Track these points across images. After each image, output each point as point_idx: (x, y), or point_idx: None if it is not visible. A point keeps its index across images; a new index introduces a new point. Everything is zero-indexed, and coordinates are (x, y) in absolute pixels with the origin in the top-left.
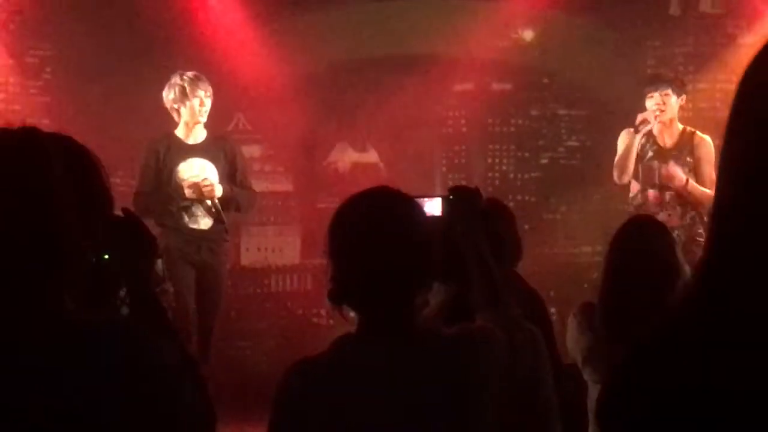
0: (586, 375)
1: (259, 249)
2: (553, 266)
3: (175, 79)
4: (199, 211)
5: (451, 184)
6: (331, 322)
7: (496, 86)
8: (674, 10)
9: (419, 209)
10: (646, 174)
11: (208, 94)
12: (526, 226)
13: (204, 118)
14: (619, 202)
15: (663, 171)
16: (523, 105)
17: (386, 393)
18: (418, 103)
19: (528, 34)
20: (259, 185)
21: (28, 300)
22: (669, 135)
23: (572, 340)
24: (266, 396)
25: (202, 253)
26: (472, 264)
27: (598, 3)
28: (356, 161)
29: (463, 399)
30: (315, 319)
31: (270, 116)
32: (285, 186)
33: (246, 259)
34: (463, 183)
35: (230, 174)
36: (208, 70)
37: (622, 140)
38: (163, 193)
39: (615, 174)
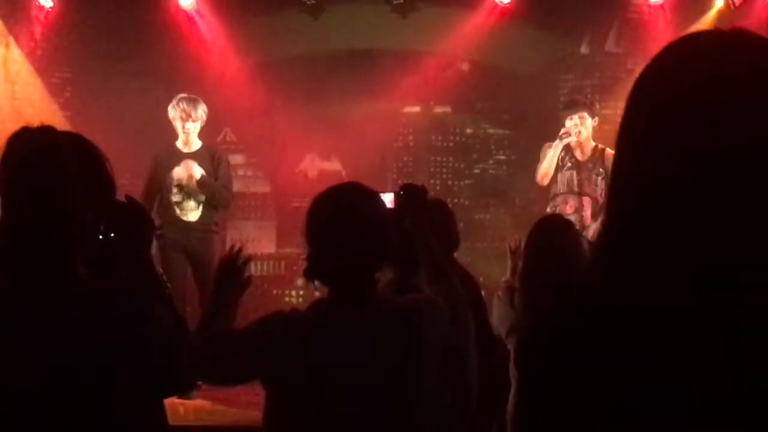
0: (510, 344)
1: (240, 240)
2: (482, 257)
3: (172, 101)
4: (188, 205)
5: None
6: (301, 300)
7: (438, 109)
8: (584, 49)
9: (379, 201)
10: (564, 182)
11: (194, 115)
12: (461, 224)
13: (191, 134)
14: (536, 204)
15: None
16: (460, 125)
17: (348, 344)
18: (374, 122)
19: (465, 67)
20: (242, 187)
21: (50, 267)
22: (583, 150)
23: (498, 316)
24: None
25: (192, 242)
26: (419, 246)
27: (522, 43)
28: (323, 169)
29: (409, 352)
30: (287, 299)
31: (252, 130)
32: (263, 188)
33: None
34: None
35: (214, 176)
36: (201, 89)
37: (544, 151)
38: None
39: (538, 177)
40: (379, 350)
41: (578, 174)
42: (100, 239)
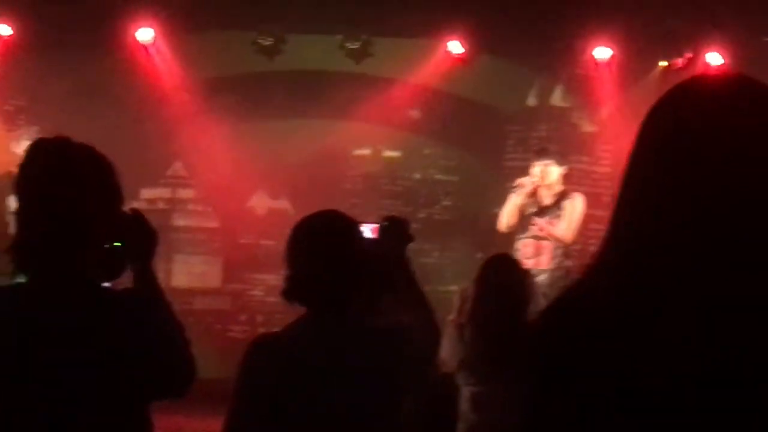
0: (460, 379)
1: (186, 274)
2: None
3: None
4: None
5: None
6: (244, 336)
7: (388, 153)
8: (531, 101)
9: (355, 228)
10: (525, 227)
11: None
12: None
13: None
14: (479, 250)
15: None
16: (408, 170)
17: (326, 363)
18: (324, 164)
19: (415, 113)
20: (191, 221)
21: (63, 269)
22: (549, 196)
23: (448, 351)
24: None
25: None
26: (400, 276)
27: (472, 92)
28: (271, 207)
29: (386, 374)
30: (231, 334)
31: (202, 165)
32: (212, 223)
33: (176, 281)
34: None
35: None
36: (155, 122)
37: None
38: None
39: (499, 226)
40: (352, 373)
41: (539, 219)
42: (107, 247)
